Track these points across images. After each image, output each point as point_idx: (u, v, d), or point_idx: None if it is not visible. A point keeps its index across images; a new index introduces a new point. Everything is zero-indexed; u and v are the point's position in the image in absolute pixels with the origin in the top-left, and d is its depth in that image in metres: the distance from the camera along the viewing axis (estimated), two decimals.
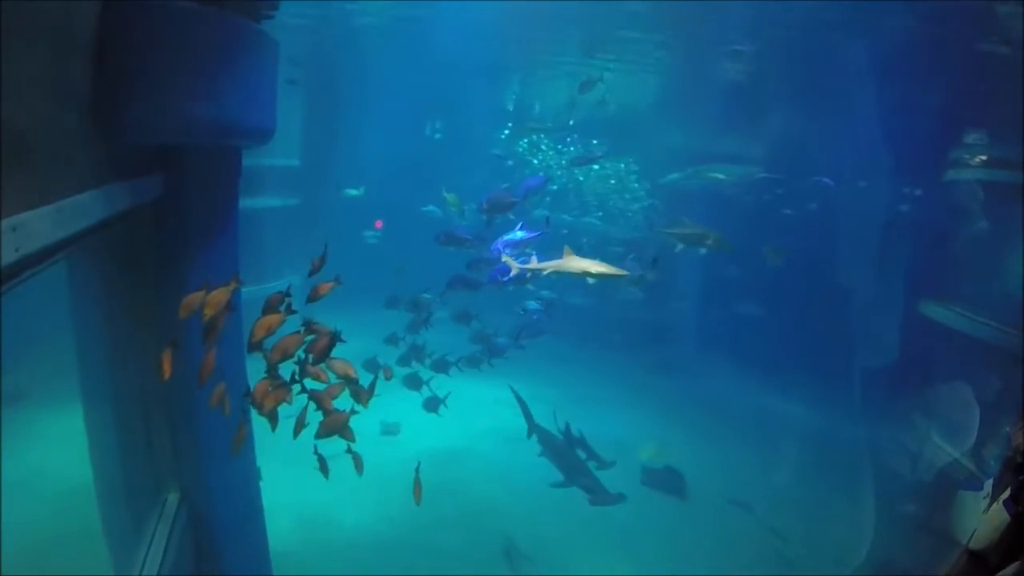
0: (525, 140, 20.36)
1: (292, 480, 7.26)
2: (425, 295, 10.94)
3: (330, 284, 4.33)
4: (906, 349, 10.75)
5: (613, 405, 13.69)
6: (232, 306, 3.87)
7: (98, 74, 3.09)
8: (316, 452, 4.58)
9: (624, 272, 6.40)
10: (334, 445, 4.35)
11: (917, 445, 8.50)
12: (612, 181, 19.61)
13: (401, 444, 10.63)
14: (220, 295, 3.75)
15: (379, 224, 18.41)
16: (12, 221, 2.06)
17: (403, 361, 10.96)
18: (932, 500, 7.63)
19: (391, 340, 11.67)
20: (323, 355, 4.18)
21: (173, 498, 4.73)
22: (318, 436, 4.23)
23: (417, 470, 5.04)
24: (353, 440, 4.31)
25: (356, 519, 8.61)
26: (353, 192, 17.96)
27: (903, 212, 13.84)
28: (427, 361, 11.10)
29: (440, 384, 10.90)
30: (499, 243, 8.22)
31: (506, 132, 20.96)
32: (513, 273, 7.59)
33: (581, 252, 6.25)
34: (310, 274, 4.27)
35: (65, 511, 5.23)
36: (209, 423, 4.31)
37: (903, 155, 13.21)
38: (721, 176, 15.58)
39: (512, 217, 8.88)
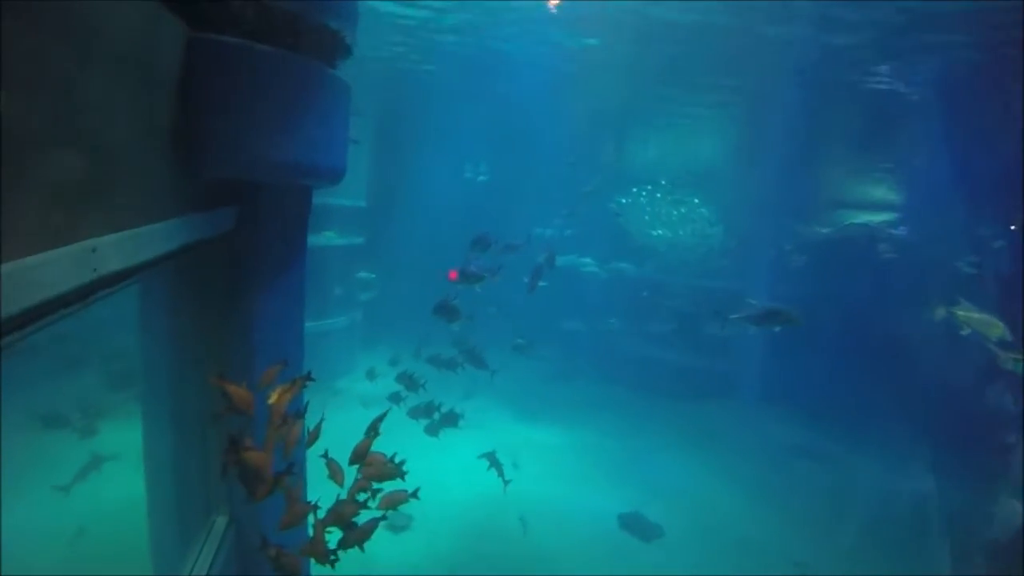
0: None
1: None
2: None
3: (298, 381, 3.84)
4: (982, 401, 10.15)
5: (664, 454, 13.42)
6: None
7: (181, 110, 3.29)
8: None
9: None
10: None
11: (994, 503, 8.01)
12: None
13: (449, 486, 10.61)
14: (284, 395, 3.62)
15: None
16: (92, 243, 2.18)
17: (416, 413, 10.69)
18: (1008, 560, 7.15)
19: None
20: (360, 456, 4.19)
21: (221, 521, 4.80)
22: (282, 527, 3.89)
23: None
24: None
25: (400, 557, 8.63)
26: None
27: (985, 257, 13.17)
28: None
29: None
30: (472, 263, 9.93)
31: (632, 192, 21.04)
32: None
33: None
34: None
35: (114, 521, 5.39)
36: None
37: (983, 196, 12.65)
38: (877, 219, 16.03)
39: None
